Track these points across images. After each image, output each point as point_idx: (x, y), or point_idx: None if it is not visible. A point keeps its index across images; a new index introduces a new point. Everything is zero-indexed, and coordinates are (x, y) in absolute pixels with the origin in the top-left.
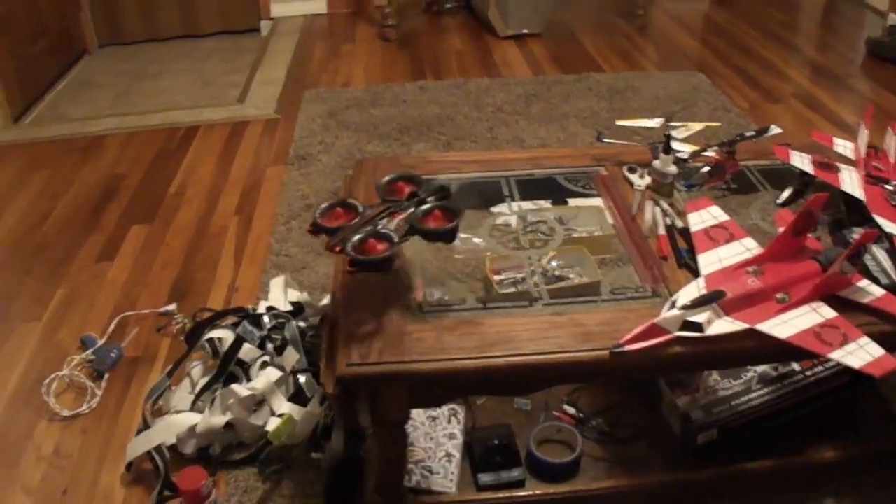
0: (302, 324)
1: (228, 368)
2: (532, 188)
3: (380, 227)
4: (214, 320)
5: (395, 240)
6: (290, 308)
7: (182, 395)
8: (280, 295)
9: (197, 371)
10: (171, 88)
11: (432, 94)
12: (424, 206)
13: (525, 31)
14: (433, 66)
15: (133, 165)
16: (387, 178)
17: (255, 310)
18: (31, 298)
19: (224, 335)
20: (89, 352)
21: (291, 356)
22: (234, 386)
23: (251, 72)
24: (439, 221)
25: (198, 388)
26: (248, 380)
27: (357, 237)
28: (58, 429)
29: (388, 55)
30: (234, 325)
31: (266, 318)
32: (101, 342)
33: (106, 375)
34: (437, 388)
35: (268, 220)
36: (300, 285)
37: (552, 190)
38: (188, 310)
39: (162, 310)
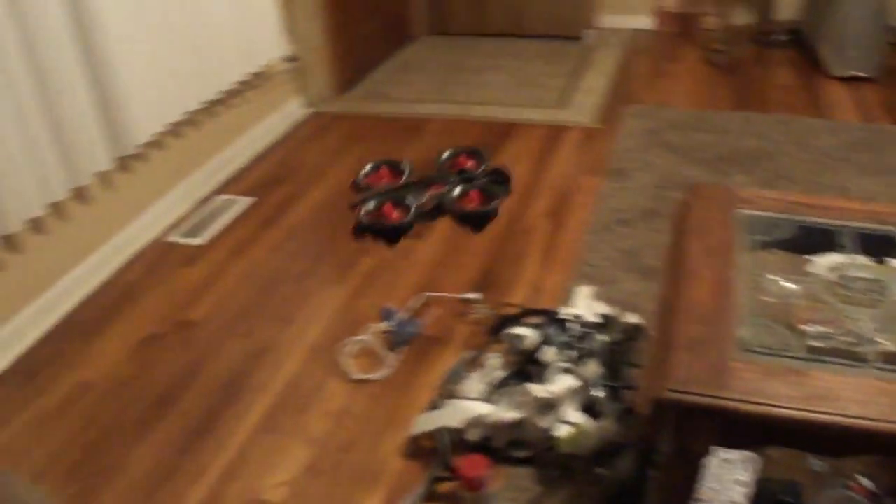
0: (605, 338)
1: (527, 367)
2: (867, 242)
3: (407, 197)
4: (519, 317)
5: (412, 211)
6: (597, 320)
7: (476, 383)
8: (586, 304)
9: (494, 363)
10: (493, 83)
11: (755, 126)
12: (461, 187)
13: (858, 73)
14: (758, 97)
15: None
16: (448, 151)
17: (560, 314)
18: (338, 262)
19: (528, 334)
20: (389, 323)
21: (592, 368)
22: (530, 385)
23: (573, 78)
24: (474, 204)
25: (493, 380)
26: (544, 382)
27: (375, 201)
28: (348, 389)
29: (712, 80)
30: (538, 326)
31: (572, 325)
32: (401, 316)
33: (402, 348)
34: (752, 431)
35: (578, 227)
36: (604, 298)
37: (889, 248)
38: (490, 301)
39: (464, 296)
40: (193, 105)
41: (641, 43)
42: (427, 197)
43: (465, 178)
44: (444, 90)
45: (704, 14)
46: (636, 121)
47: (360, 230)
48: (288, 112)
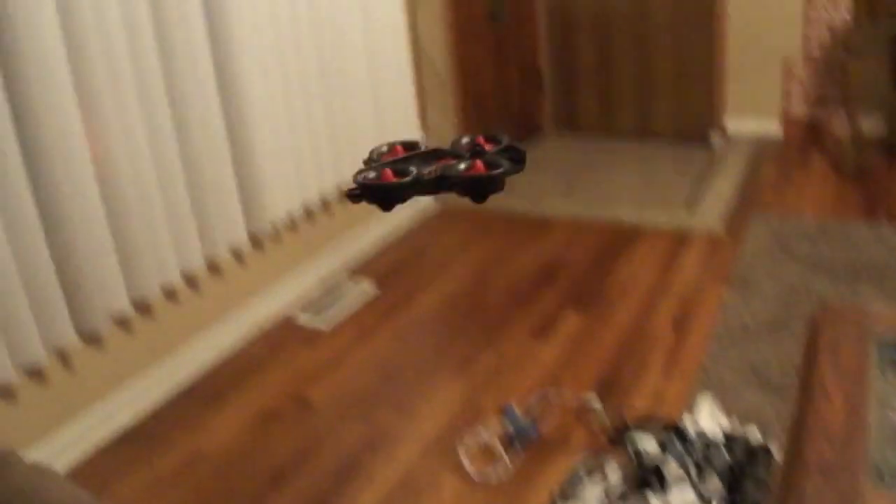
0: (728, 453)
1: (647, 478)
2: None
3: (411, 166)
4: (641, 425)
5: (411, 177)
6: (720, 433)
7: (595, 490)
8: (709, 416)
9: (613, 470)
10: (619, 184)
11: (885, 237)
12: (469, 161)
13: None
14: (888, 207)
15: (576, 252)
16: (468, 136)
17: (682, 425)
18: (460, 356)
19: (649, 444)
20: (509, 421)
21: (713, 484)
22: (649, 494)
23: (699, 182)
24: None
25: (613, 489)
26: (663, 492)
27: (376, 172)
28: (463, 487)
29: (841, 188)
30: (659, 435)
31: (694, 438)
32: (520, 415)
33: (520, 447)
34: None
35: (702, 337)
36: (727, 411)
37: None
38: (610, 405)
39: (584, 398)
40: (328, 190)
41: (768, 148)
42: (432, 168)
43: (476, 152)
44: (571, 188)
45: (833, 121)
46: (762, 228)
47: (354, 195)
48: (418, 203)
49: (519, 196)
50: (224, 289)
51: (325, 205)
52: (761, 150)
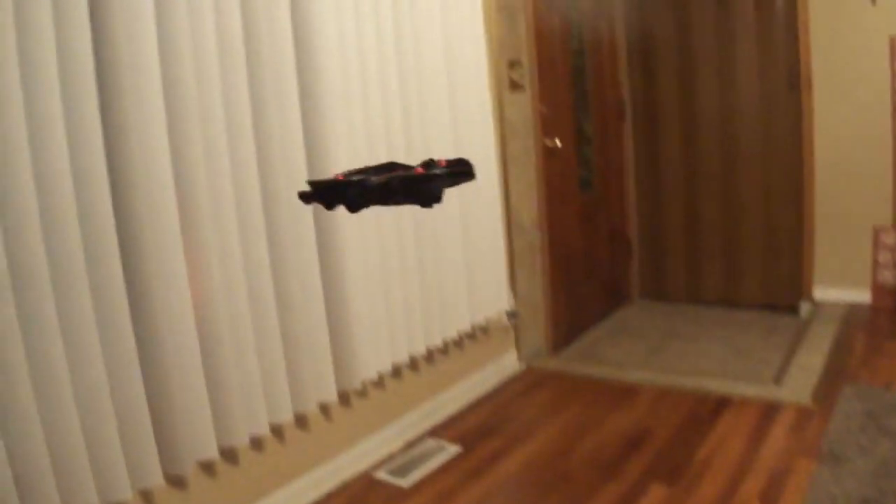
0: None
1: None
2: None
3: (367, 175)
4: None
5: (356, 177)
6: None
7: None
8: None
9: None
10: (705, 353)
11: None
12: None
13: None
14: None
15: (662, 422)
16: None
17: None
18: None
19: None
20: None
21: None
22: None
23: (788, 353)
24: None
25: None
26: None
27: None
28: None
29: None
30: None
31: None
32: None
33: None
34: None
35: None
36: None
37: None
38: None
39: None
40: (418, 350)
41: (859, 318)
42: (382, 176)
43: (426, 164)
44: (657, 357)
45: None
46: (853, 401)
47: (305, 195)
48: (502, 365)
49: (604, 362)
50: (309, 442)
51: (414, 364)
52: (851, 320)
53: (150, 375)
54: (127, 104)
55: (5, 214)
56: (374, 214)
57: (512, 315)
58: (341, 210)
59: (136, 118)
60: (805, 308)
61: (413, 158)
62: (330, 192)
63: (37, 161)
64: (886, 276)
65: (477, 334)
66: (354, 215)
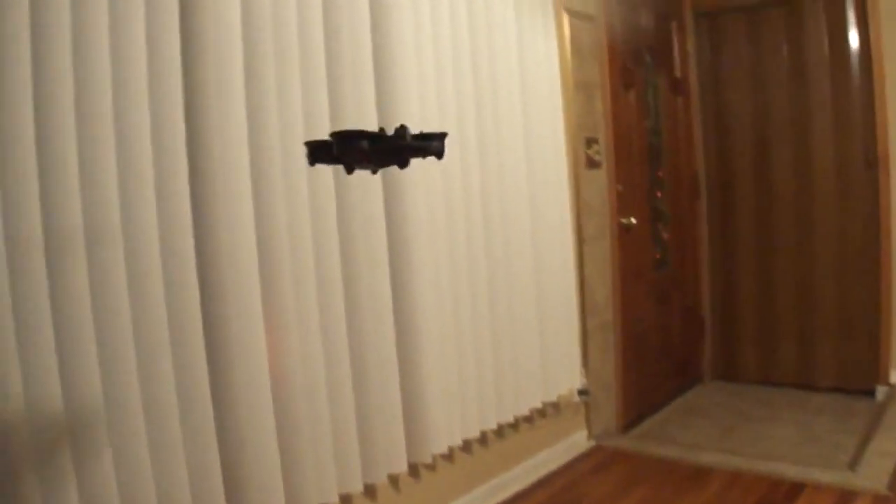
0: None
1: None
2: None
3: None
4: None
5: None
6: None
7: None
8: None
9: None
10: (778, 436)
11: None
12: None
13: None
14: None
15: None
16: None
17: None
18: None
19: None
20: None
21: None
22: None
23: (863, 438)
24: None
25: None
26: None
27: None
28: None
29: None
30: None
31: None
32: None
33: None
34: None
35: None
36: None
37: None
38: None
39: None
40: (490, 425)
41: None
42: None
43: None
44: (729, 439)
45: None
46: None
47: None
48: (572, 443)
49: (675, 443)
50: None
51: (484, 439)
52: None
53: (225, 441)
54: (214, 175)
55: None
56: (451, 286)
57: (583, 393)
58: (418, 284)
59: (224, 188)
60: (881, 392)
61: (491, 236)
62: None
63: (127, 239)
64: None
65: (548, 411)
66: (431, 277)
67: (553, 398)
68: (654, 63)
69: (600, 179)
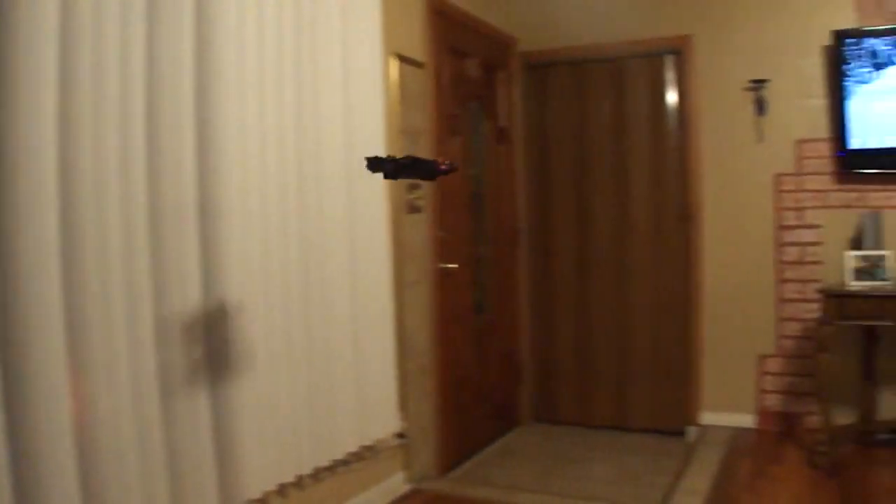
0: None
1: None
2: None
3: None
4: None
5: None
6: None
7: None
8: None
9: None
10: (595, 476)
11: None
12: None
13: None
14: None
15: None
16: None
17: None
18: None
19: None
20: None
21: None
22: None
23: (675, 477)
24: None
25: None
26: None
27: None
28: None
29: (816, 483)
30: None
31: None
32: None
33: None
34: None
35: None
36: None
37: None
38: None
39: None
40: (306, 469)
41: (744, 442)
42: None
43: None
44: (546, 480)
45: (807, 413)
46: None
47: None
48: (390, 486)
49: (493, 485)
50: None
51: (300, 483)
52: (737, 444)
53: (20, 487)
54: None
55: None
56: (266, 328)
57: (401, 436)
58: (233, 323)
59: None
60: (692, 432)
61: (308, 278)
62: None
63: None
64: (770, 401)
65: (365, 454)
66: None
67: (370, 441)
68: (480, 111)
69: (422, 224)
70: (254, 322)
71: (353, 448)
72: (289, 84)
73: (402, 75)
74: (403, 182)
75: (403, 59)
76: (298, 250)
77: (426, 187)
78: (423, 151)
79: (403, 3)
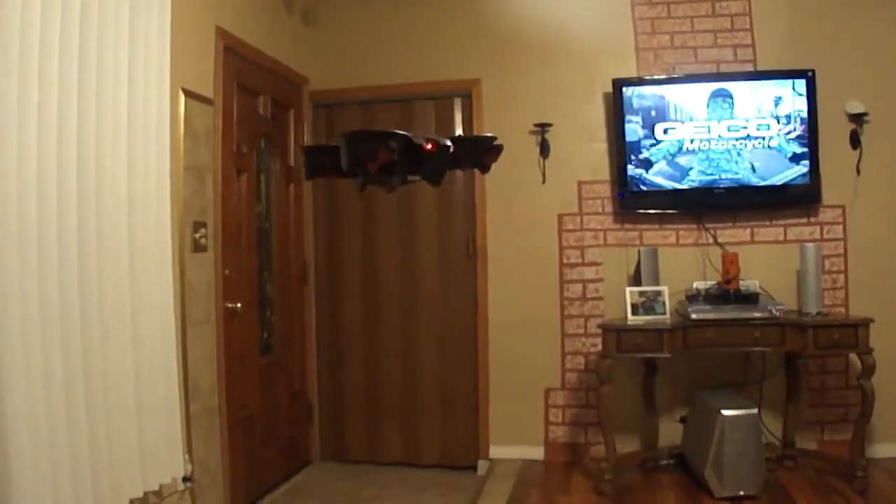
0: None
1: None
2: None
3: None
4: None
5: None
6: None
7: None
8: None
9: None
10: None
11: None
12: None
13: (741, 492)
14: None
15: None
16: None
17: None
18: None
19: None
20: None
21: None
22: None
23: None
24: None
25: None
26: None
27: None
28: None
29: None
30: None
31: None
32: None
33: None
34: None
35: None
36: None
37: None
38: None
39: None
40: None
41: (533, 473)
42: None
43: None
44: None
45: (592, 443)
46: None
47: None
48: None
49: None
50: None
51: None
52: (526, 475)
53: None
54: None
55: None
56: (43, 372)
57: (187, 479)
58: (5, 365)
59: None
60: (483, 466)
61: (86, 317)
62: None
63: None
64: (557, 433)
65: (151, 499)
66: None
67: (155, 487)
68: (268, 150)
69: (207, 263)
70: (29, 366)
71: (137, 494)
72: (68, 117)
73: (188, 110)
74: (189, 220)
75: (191, 95)
76: (77, 288)
77: (212, 226)
78: (209, 189)
79: (194, 38)
